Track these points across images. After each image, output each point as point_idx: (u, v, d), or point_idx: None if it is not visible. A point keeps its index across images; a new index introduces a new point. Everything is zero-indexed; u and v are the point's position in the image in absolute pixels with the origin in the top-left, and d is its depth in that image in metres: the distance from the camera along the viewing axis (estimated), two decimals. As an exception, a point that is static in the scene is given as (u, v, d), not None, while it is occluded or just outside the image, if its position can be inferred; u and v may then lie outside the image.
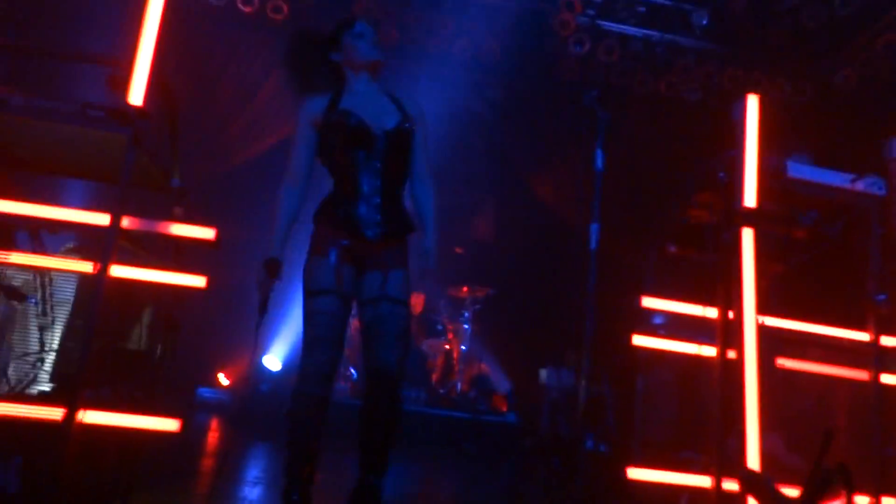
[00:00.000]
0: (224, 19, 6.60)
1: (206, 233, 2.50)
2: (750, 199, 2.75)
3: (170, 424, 2.32)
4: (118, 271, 2.33)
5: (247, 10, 6.46)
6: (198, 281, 2.47)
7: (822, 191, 2.86)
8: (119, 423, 2.35)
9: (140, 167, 2.55)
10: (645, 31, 6.98)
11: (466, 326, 6.27)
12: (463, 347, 6.18)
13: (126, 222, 2.37)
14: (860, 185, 2.83)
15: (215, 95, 6.57)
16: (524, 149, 7.55)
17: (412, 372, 5.52)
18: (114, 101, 2.39)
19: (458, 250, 2.16)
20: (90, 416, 2.22)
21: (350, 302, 2.32)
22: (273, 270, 2.27)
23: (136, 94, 2.40)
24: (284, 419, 2.27)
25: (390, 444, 2.25)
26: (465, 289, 6.19)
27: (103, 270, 2.25)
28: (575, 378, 6.03)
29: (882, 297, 2.74)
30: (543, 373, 6.65)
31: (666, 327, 3.01)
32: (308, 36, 2.45)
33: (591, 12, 6.77)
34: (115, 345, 2.56)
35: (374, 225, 2.28)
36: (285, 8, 6.53)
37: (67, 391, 2.17)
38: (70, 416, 2.14)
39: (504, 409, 5.74)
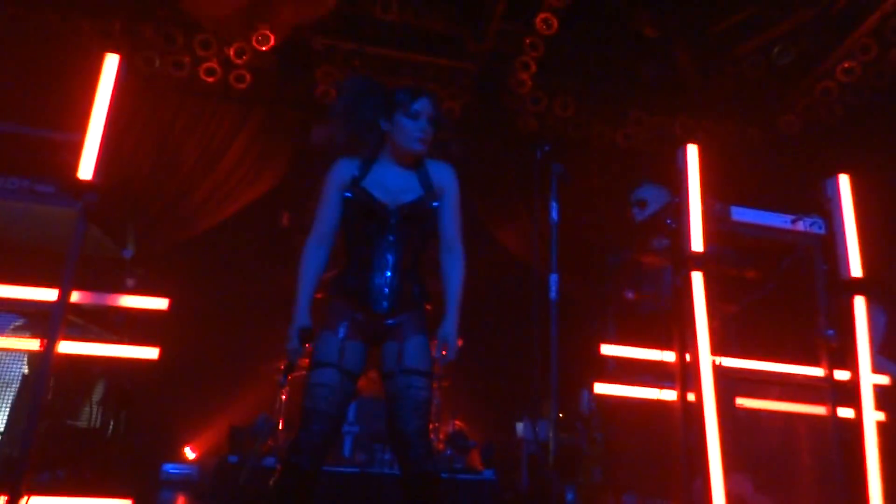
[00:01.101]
0: (187, 90, 6.72)
1: (160, 303, 2.47)
2: (697, 243, 2.83)
3: (121, 504, 2.24)
4: (66, 347, 2.28)
5: (210, 80, 6.60)
6: (150, 353, 2.42)
7: (766, 232, 2.96)
8: (68, 506, 2.26)
9: (91, 239, 2.54)
10: (599, 85, 7.29)
11: (435, 385, 6.20)
12: (435, 402, 6.10)
13: (75, 296, 2.34)
14: (801, 226, 2.94)
15: (177, 164, 6.61)
16: (488, 203, 7.68)
17: (385, 433, 5.41)
18: (63, 176, 2.40)
19: (427, 306, 2.18)
20: (35, 502, 2.13)
21: (353, 378, 2.30)
22: (305, 339, 2.26)
23: (86, 168, 2.41)
24: (270, 490, 2.22)
25: None
26: (433, 342, 6.15)
27: (50, 347, 2.20)
28: (550, 429, 5.96)
29: (831, 332, 2.80)
30: (520, 426, 6.56)
31: (627, 373, 3.03)
32: (366, 88, 2.38)
33: (547, 70, 7.07)
34: (64, 423, 2.48)
35: (384, 298, 2.28)
36: (248, 76, 6.68)
37: (11, 476, 2.09)
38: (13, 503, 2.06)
39: (481, 466, 5.63)
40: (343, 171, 2.35)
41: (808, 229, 2.93)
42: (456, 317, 2.38)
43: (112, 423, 2.52)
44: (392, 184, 2.34)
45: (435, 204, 2.37)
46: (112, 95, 2.59)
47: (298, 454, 2.18)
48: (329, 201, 2.35)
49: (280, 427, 5.48)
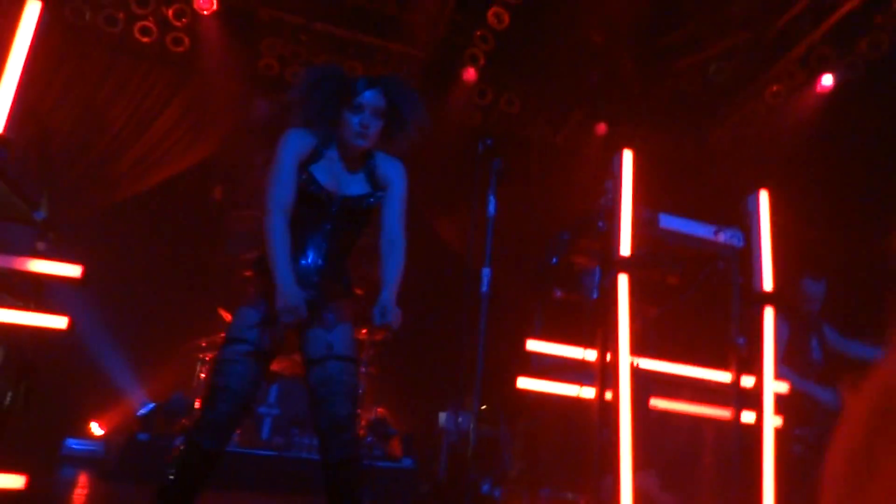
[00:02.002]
0: (119, 48, 6.36)
1: (72, 270, 2.33)
2: (625, 247, 2.92)
3: (13, 481, 2.10)
4: (-37, 311, 2.12)
5: (144, 39, 6.27)
6: (59, 322, 2.29)
7: (690, 241, 3.08)
8: (-46, 481, 2.10)
9: (1, 198, 2.37)
10: (544, 85, 7.39)
11: (363, 369, 6.17)
12: (359, 391, 6.06)
13: (-24, 257, 2.17)
14: (722, 237, 3.08)
15: (103, 126, 6.25)
16: (429, 194, 7.67)
17: (307, 417, 5.34)
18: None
19: (359, 292, 2.15)
20: (-84, 475, 1.97)
21: (268, 359, 2.23)
22: (301, 312, 2.09)
23: (-3, 121, 2.24)
24: (172, 466, 2.12)
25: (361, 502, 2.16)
26: (363, 331, 6.11)
27: (-56, 310, 2.04)
28: (472, 421, 6.05)
29: (742, 340, 2.96)
30: (442, 416, 6.62)
31: (551, 369, 3.10)
32: (321, 77, 2.28)
33: (495, 65, 7.10)
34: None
35: (310, 286, 2.23)
36: (186, 40, 6.39)
37: None
38: None
39: (401, 454, 5.65)
40: (301, 143, 2.25)
41: (728, 241, 3.08)
42: (394, 293, 2.30)
43: (10, 394, 2.37)
44: (339, 173, 2.29)
45: (375, 202, 2.33)
46: (31, 45, 2.41)
47: (202, 433, 2.11)
48: (285, 167, 2.22)
49: (196, 406, 5.31)
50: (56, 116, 5.97)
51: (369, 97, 2.26)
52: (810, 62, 6.41)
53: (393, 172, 2.40)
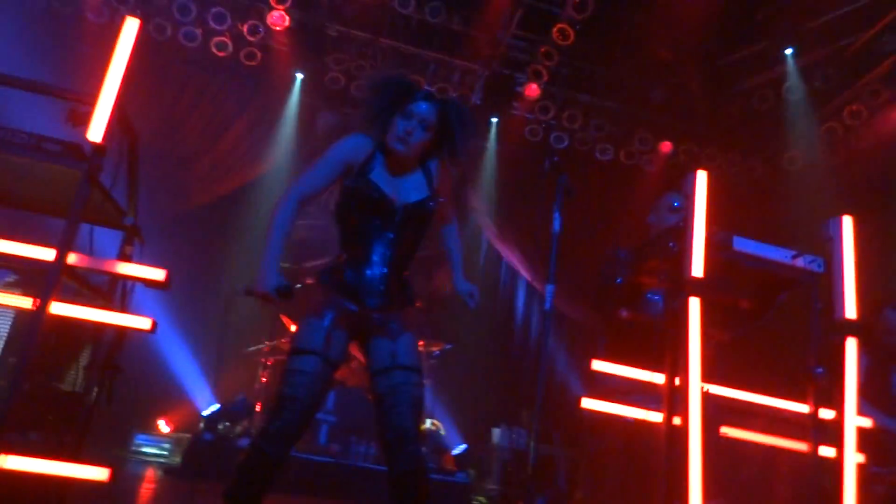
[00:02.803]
0: (196, 61, 6.66)
1: (157, 273, 2.44)
2: (697, 269, 2.84)
3: (98, 473, 2.20)
4: (59, 309, 2.25)
5: (220, 54, 6.55)
6: (143, 322, 2.39)
7: (765, 265, 2.97)
8: (43, 471, 2.22)
9: (94, 203, 2.50)
10: (607, 102, 7.31)
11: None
12: (424, 401, 6.08)
13: (73, 258, 2.30)
14: (800, 262, 2.95)
15: (182, 135, 6.55)
16: (489, 207, 7.68)
17: (364, 426, 5.39)
18: (71, 136, 2.36)
19: (418, 304, 2.16)
20: (12, 462, 2.09)
21: (334, 368, 2.26)
22: (286, 295, 2.16)
23: (96, 131, 2.37)
24: (234, 469, 2.17)
25: None
26: (420, 343, 6.15)
27: (43, 307, 2.17)
28: (527, 438, 5.98)
29: (820, 370, 2.83)
30: (496, 432, 6.57)
31: (616, 391, 3.03)
32: (386, 84, 2.35)
33: (558, 81, 7.08)
34: (48, 385, 2.45)
35: (377, 295, 2.25)
36: (259, 55, 6.64)
37: (-11, 433, 2.06)
38: (-11, 461, 2.02)
39: (454, 467, 5.62)
40: (357, 149, 2.30)
41: (807, 266, 2.95)
42: (462, 274, 2.66)
43: (96, 389, 2.49)
44: (396, 180, 2.32)
45: (435, 206, 2.36)
46: (129, 60, 2.55)
47: (268, 441, 2.14)
48: (329, 163, 2.29)
49: (258, 409, 5.45)
50: (139, 125, 6.27)
51: (423, 108, 2.30)
52: (895, 80, 6.10)
53: (443, 176, 2.46)
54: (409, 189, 2.34)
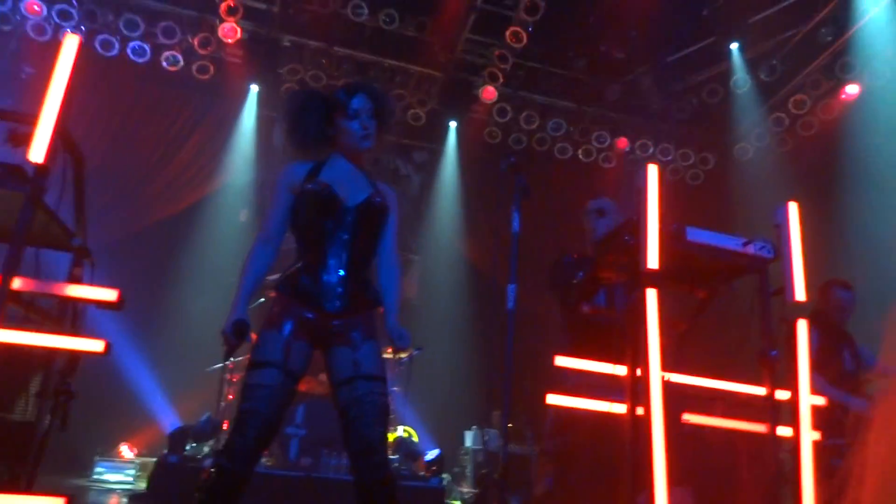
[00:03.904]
0: (147, 76, 6.54)
1: (109, 294, 2.38)
2: (652, 261, 2.89)
3: None
4: (5, 336, 2.18)
5: (172, 69, 6.44)
6: (96, 345, 2.33)
7: (718, 254, 3.04)
8: (-4, 503, 2.15)
9: (39, 226, 2.43)
10: (563, 102, 7.42)
11: (391, 388, 6.17)
12: (389, 410, 6.05)
13: (18, 283, 2.23)
14: (751, 249, 3.03)
15: (134, 153, 6.42)
16: (451, 210, 7.71)
17: (334, 437, 5.34)
18: (11, 158, 2.30)
19: (381, 310, 2.14)
20: (-39, 497, 2.02)
21: (296, 380, 2.22)
22: (240, 333, 2.17)
23: (38, 151, 2.31)
24: (196, 489, 2.12)
25: None
26: (388, 349, 6.13)
27: (-13, 334, 2.10)
28: (499, 439, 6.00)
29: (775, 352, 2.90)
30: (469, 435, 6.58)
31: (581, 385, 3.07)
32: (305, 100, 2.39)
33: (514, 83, 7.16)
34: (-3, 415, 2.37)
35: (336, 298, 2.23)
36: (211, 68, 6.55)
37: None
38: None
39: (428, 473, 5.61)
40: (294, 172, 2.34)
41: (757, 252, 3.03)
42: (397, 312, 2.40)
43: (49, 417, 2.41)
44: (346, 182, 2.33)
45: (382, 202, 2.36)
46: (69, 78, 2.49)
47: (231, 457, 2.10)
48: (278, 201, 2.33)
49: (224, 427, 5.35)
50: (88, 144, 6.14)
51: (361, 102, 2.35)
52: (835, 70, 6.33)
53: (392, 198, 2.45)
54: (355, 190, 2.34)
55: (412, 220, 7.68)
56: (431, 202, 7.73)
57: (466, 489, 6.22)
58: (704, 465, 2.85)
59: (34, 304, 2.48)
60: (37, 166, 2.31)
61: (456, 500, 6.16)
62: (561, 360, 2.92)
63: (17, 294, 2.25)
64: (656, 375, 2.74)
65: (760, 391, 2.91)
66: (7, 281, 2.18)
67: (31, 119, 2.41)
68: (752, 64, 6.71)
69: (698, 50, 7.00)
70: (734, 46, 6.70)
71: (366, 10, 6.39)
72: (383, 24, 6.49)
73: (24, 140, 2.38)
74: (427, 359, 5.93)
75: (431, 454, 5.79)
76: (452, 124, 7.71)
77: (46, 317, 2.58)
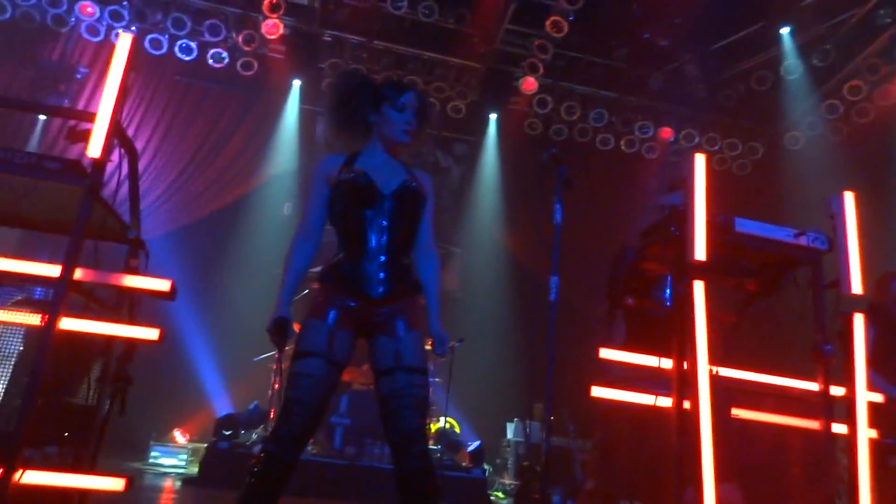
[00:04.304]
0: (194, 73, 6.71)
1: (162, 284, 2.46)
2: (700, 252, 2.83)
3: (115, 484, 2.23)
4: (67, 324, 2.28)
5: (217, 65, 6.59)
6: (151, 333, 2.42)
7: (768, 245, 2.96)
8: (61, 483, 2.25)
9: (97, 219, 2.53)
10: (605, 92, 7.30)
11: (432, 379, 6.21)
12: (429, 402, 6.10)
13: (78, 274, 2.33)
14: (804, 240, 2.94)
15: (182, 149, 6.60)
16: (491, 203, 7.70)
17: (378, 427, 5.41)
18: (69, 154, 2.39)
19: (423, 302, 2.16)
20: (29, 476, 2.12)
21: (340, 369, 2.24)
22: (282, 330, 2.22)
23: (95, 147, 2.40)
24: (246, 476, 2.18)
25: None
26: (430, 341, 6.17)
27: (51, 323, 2.20)
28: (541, 431, 5.98)
29: (829, 347, 2.81)
30: (511, 427, 6.58)
31: (625, 378, 3.03)
32: (358, 84, 2.42)
33: (554, 74, 7.08)
34: (61, 400, 2.48)
35: (379, 283, 2.24)
36: (255, 64, 6.67)
37: (5, 449, 2.09)
38: (7, 476, 2.05)
39: (470, 463, 5.64)
40: (329, 164, 2.36)
41: (810, 244, 2.94)
42: (440, 312, 2.40)
43: (108, 402, 2.52)
44: (382, 170, 2.35)
45: (418, 186, 2.36)
46: (123, 75, 2.57)
47: (278, 445, 2.14)
48: (315, 195, 2.36)
49: (272, 416, 5.48)
50: (140, 140, 6.35)
51: (412, 98, 2.38)
52: (893, 53, 6.06)
53: (427, 184, 2.45)
54: (391, 176, 2.36)
55: (453, 212, 7.69)
56: (472, 194, 7.72)
57: (508, 481, 6.23)
58: (754, 461, 2.78)
59: (93, 293, 2.58)
60: (94, 161, 2.40)
61: (498, 491, 6.18)
62: (605, 353, 2.90)
63: (78, 284, 2.35)
64: (704, 369, 2.69)
65: (814, 387, 2.83)
66: (69, 271, 2.28)
67: (88, 116, 2.50)
68: (803, 49, 6.47)
69: (746, 35, 6.79)
70: (785, 31, 6.46)
71: (405, 3, 6.41)
72: (422, 17, 6.49)
73: (81, 137, 2.48)
74: (468, 351, 5.94)
75: (474, 445, 5.82)
76: (493, 116, 7.67)
77: (105, 306, 2.69)
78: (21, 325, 2.35)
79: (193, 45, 6.46)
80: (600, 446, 3.15)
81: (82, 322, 2.37)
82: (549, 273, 3.11)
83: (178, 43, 6.41)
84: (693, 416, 2.61)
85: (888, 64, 6.13)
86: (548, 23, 6.40)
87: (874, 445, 2.78)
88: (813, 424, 2.81)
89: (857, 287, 2.94)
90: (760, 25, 6.61)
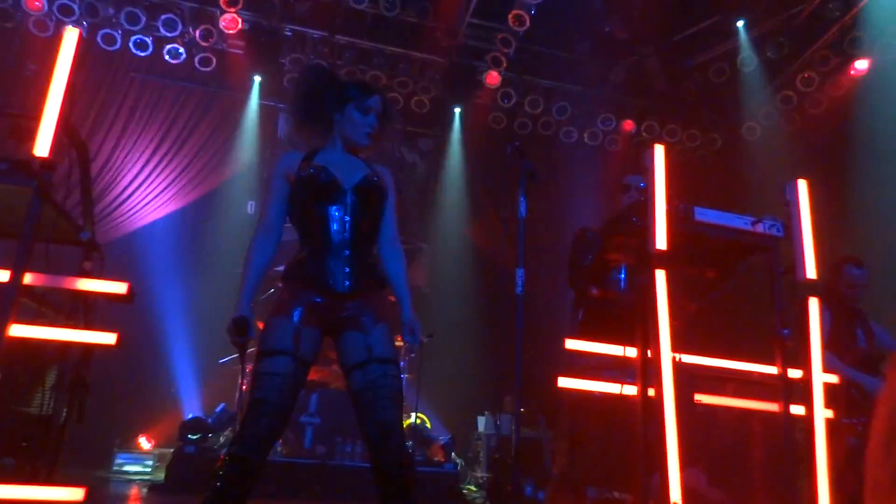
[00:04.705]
0: (150, 71, 6.54)
1: (118, 287, 2.40)
2: (661, 242, 2.88)
3: (74, 494, 2.17)
4: (18, 331, 2.20)
5: (174, 61, 6.44)
6: (108, 338, 2.35)
7: (727, 233, 3.03)
8: (16, 496, 2.18)
9: (48, 221, 2.45)
10: (568, 85, 7.36)
11: (402, 375, 6.19)
12: (402, 393, 6.09)
13: (29, 278, 2.25)
14: (760, 228, 3.01)
15: (140, 147, 6.44)
16: (458, 197, 7.70)
17: (348, 425, 5.38)
18: (17, 154, 2.31)
19: (392, 299, 2.13)
20: (-18, 489, 2.05)
21: (307, 367, 2.21)
22: (241, 330, 2.17)
23: (43, 146, 2.32)
24: (210, 477, 2.13)
25: None
26: (398, 337, 6.15)
27: (1, 329, 2.12)
28: (512, 424, 6.03)
29: (786, 331, 2.89)
30: (481, 420, 6.61)
31: (591, 368, 3.07)
32: (323, 80, 2.41)
33: (517, 68, 7.11)
34: (14, 410, 2.40)
35: (345, 277, 2.21)
36: (213, 60, 6.54)
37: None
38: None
39: (442, 458, 5.65)
40: (288, 161, 2.35)
41: (767, 231, 3.01)
42: (410, 302, 2.40)
43: (65, 410, 2.44)
44: (341, 165, 2.34)
45: (379, 181, 2.36)
46: (70, 72, 2.49)
47: (244, 446, 2.09)
48: (274, 191, 2.33)
49: (240, 417, 5.40)
50: (95, 140, 6.17)
51: (377, 102, 2.38)
52: (843, 46, 6.24)
53: (388, 178, 2.45)
54: (352, 171, 2.34)
55: (419, 207, 7.67)
56: (438, 189, 7.71)
57: (480, 474, 6.26)
58: (717, 445, 2.85)
59: (46, 298, 2.50)
60: (42, 160, 2.32)
61: (470, 484, 6.20)
62: (571, 343, 2.93)
63: (30, 289, 2.27)
64: (667, 356, 2.74)
65: (772, 370, 2.91)
66: (19, 276, 2.20)
67: (34, 114, 2.41)
68: (758, 42, 6.62)
69: (704, 29, 6.91)
70: (740, 24, 6.60)
71: (366, -3, 6.34)
72: (384, 11, 6.44)
73: (28, 136, 2.39)
74: (438, 346, 5.94)
75: (445, 439, 5.83)
76: (457, 110, 7.67)
77: (59, 311, 2.61)
78: (-31, 332, 2.26)
79: (149, 40, 6.29)
80: (569, 434, 3.19)
81: (34, 328, 2.29)
82: (516, 265, 3.13)
83: (133, 38, 6.24)
84: (658, 404, 2.65)
85: (838, 56, 6.32)
86: (510, 16, 6.42)
87: (832, 426, 2.87)
88: (773, 407, 2.90)
89: (811, 272, 3.03)
90: (717, 19, 6.74)
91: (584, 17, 6.89)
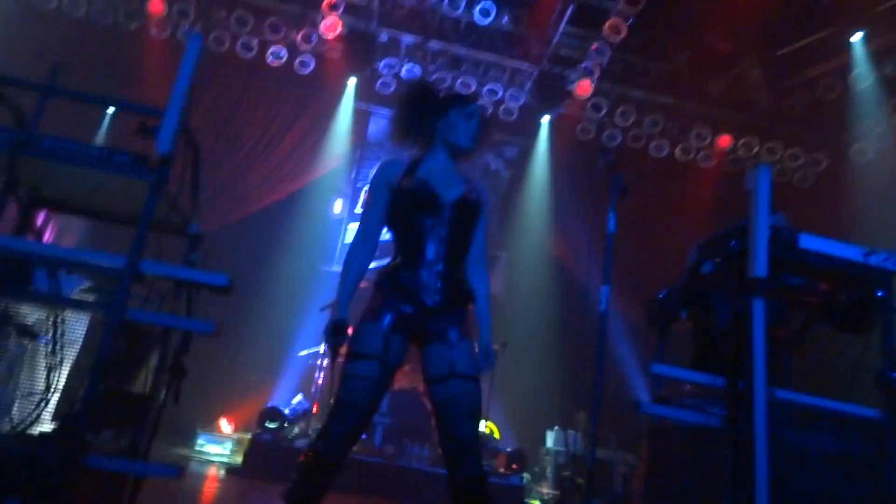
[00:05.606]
0: (252, 71, 6.87)
1: (220, 279, 2.52)
2: (761, 268, 2.73)
3: (170, 472, 2.30)
4: (130, 314, 2.35)
5: (275, 63, 6.72)
6: (208, 326, 2.48)
7: (834, 263, 2.84)
8: (118, 469, 2.33)
9: (161, 213, 2.61)
10: (662, 97, 7.14)
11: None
12: (481, 409, 6.09)
13: (143, 266, 2.41)
14: (873, 260, 2.81)
15: (238, 145, 6.77)
16: (540, 207, 7.63)
17: (418, 428, 5.44)
18: (139, 149, 2.47)
19: (470, 307, 2.16)
20: (90, 461, 2.20)
21: (392, 373, 2.27)
22: (340, 333, 2.26)
23: (164, 143, 2.47)
24: (293, 473, 2.21)
25: None
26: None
27: (116, 312, 2.27)
28: (583, 441, 5.90)
29: (894, 374, 2.68)
30: (551, 435, 6.51)
31: (676, 395, 2.96)
32: (426, 91, 2.49)
33: (610, 78, 6.97)
34: (120, 387, 2.57)
35: (435, 292, 2.27)
36: (312, 63, 6.78)
37: (69, 433, 2.17)
38: (70, 460, 2.13)
39: (508, 470, 5.60)
40: (391, 171, 2.39)
41: (880, 265, 2.80)
42: (490, 326, 2.44)
43: (164, 391, 2.59)
44: (442, 178, 2.37)
45: (477, 198, 2.38)
46: (193, 75, 2.64)
47: (328, 444, 2.18)
48: (375, 199, 2.39)
49: (315, 411, 5.57)
50: (199, 136, 6.53)
51: (476, 110, 2.45)
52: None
53: (485, 196, 2.46)
54: (451, 186, 2.37)
55: (501, 215, 7.65)
56: (520, 198, 7.67)
57: (546, 490, 6.16)
58: (810, 488, 2.67)
59: (154, 285, 2.67)
60: (162, 157, 2.48)
61: (535, 499, 6.12)
62: (657, 368, 2.83)
63: (141, 275, 2.42)
64: (761, 390, 2.59)
65: (872, 413, 2.70)
66: (134, 264, 2.36)
67: (158, 112, 2.58)
68: (875, 57, 6.18)
69: (814, 42, 6.53)
70: (856, 38, 6.19)
71: (461, 4, 6.40)
72: (479, 18, 6.47)
73: (151, 132, 2.56)
74: (511, 356, 5.91)
75: (512, 451, 5.78)
76: (545, 119, 7.60)
77: (164, 298, 2.77)
78: (87, 313, 2.44)
79: (254, 42, 6.60)
80: (648, 461, 3.08)
81: (144, 313, 2.45)
82: (600, 282, 3.06)
83: (240, 41, 6.57)
84: (748, 439, 2.52)
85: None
86: (606, 26, 6.30)
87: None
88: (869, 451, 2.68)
89: (930, 312, 2.79)
90: (830, 31, 6.35)
91: (682, 27, 6.67)
